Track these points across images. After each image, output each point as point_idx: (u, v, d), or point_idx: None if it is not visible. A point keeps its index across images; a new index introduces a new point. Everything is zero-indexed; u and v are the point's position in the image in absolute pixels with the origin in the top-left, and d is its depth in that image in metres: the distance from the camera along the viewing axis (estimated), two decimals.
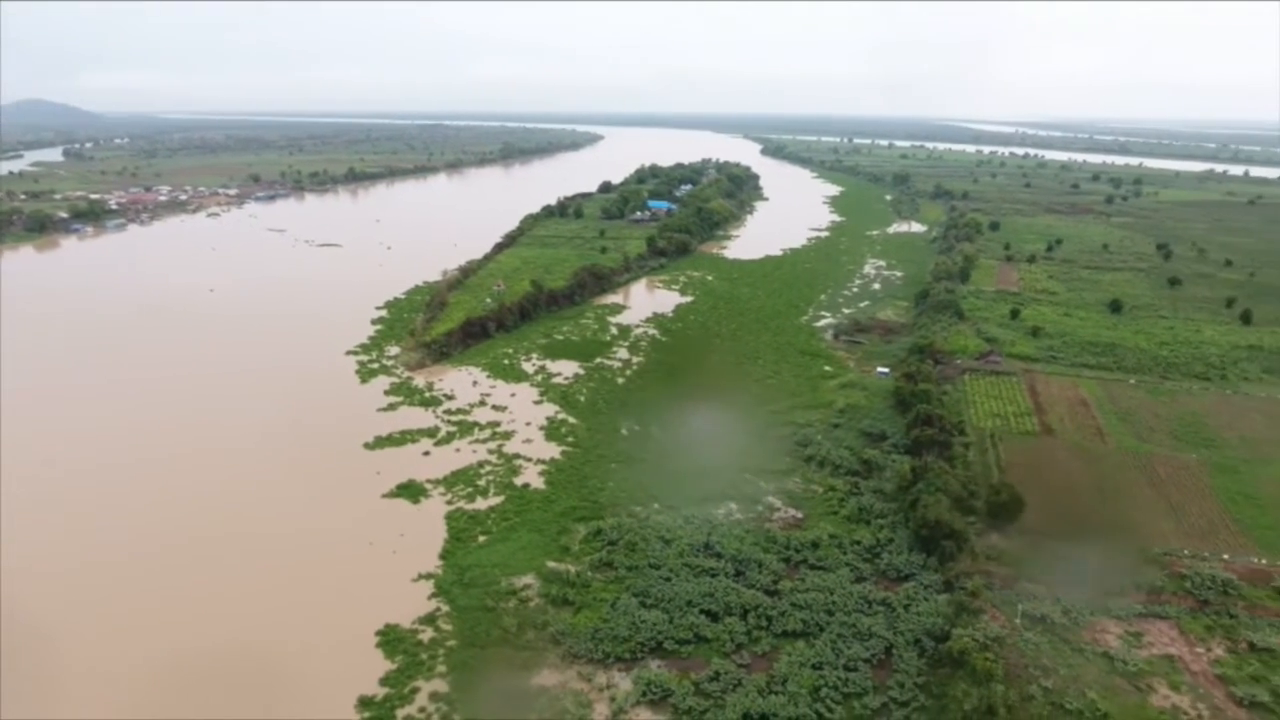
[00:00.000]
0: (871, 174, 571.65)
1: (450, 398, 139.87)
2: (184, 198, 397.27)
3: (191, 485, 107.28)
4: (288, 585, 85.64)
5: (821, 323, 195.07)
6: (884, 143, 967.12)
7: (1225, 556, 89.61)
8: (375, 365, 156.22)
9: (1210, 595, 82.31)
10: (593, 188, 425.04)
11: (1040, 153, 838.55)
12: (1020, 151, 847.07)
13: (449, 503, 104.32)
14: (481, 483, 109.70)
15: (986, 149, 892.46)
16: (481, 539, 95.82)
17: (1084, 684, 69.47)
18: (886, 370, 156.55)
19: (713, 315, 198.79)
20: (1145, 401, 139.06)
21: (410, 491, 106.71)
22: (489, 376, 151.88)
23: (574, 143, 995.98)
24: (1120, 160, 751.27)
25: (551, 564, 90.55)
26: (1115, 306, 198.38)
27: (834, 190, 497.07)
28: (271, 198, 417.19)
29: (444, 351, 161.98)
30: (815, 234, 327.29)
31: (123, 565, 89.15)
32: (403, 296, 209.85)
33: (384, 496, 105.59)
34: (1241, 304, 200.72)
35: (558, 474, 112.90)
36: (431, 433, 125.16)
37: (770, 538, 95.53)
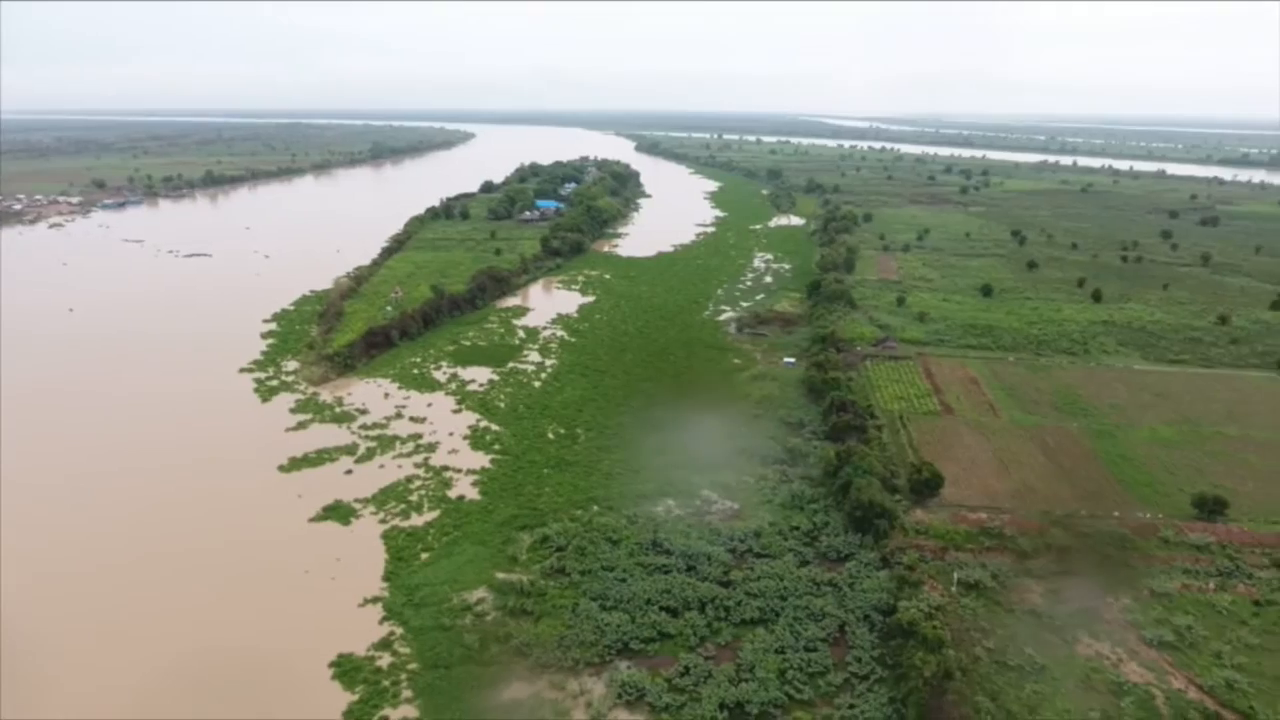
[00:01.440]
0: (746, 169, 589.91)
1: (364, 412, 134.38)
2: (18, 207, 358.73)
3: (94, 528, 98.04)
4: (224, 624, 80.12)
5: (723, 316, 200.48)
6: (751, 138, 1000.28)
7: (1116, 514, 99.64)
8: (275, 382, 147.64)
9: (1110, 550, 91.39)
10: (470, 187, 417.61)
11: (895, 146, 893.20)
12: (877, 145, 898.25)
13: (382, 521, 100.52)
14: (414, 498, 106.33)
15: (846, 143, 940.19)
16: (424, 556, 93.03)
17: (1020, 641, 75.75)
18: (793, 360, 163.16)
19: (617, 314, 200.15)
20: (1025, 377, 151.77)
21: (339, 513, 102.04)
22: (400, 387, 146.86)
23: (446, 141, 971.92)
24: (966, 153, 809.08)
25: (501, 575, 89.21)
26: (986, 290, 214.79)
27: (712, 186, 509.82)
28: (122, 205, 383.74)
29: (348, 364, 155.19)
30: (702, 229, 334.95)
31: (34, 619, 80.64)
32: (291, 307, 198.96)
33: (311, 521, 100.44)
34: (1091, 284, 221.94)
35: (491, 483, 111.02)
36: (350, 450, 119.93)
37: (714, 530, 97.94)
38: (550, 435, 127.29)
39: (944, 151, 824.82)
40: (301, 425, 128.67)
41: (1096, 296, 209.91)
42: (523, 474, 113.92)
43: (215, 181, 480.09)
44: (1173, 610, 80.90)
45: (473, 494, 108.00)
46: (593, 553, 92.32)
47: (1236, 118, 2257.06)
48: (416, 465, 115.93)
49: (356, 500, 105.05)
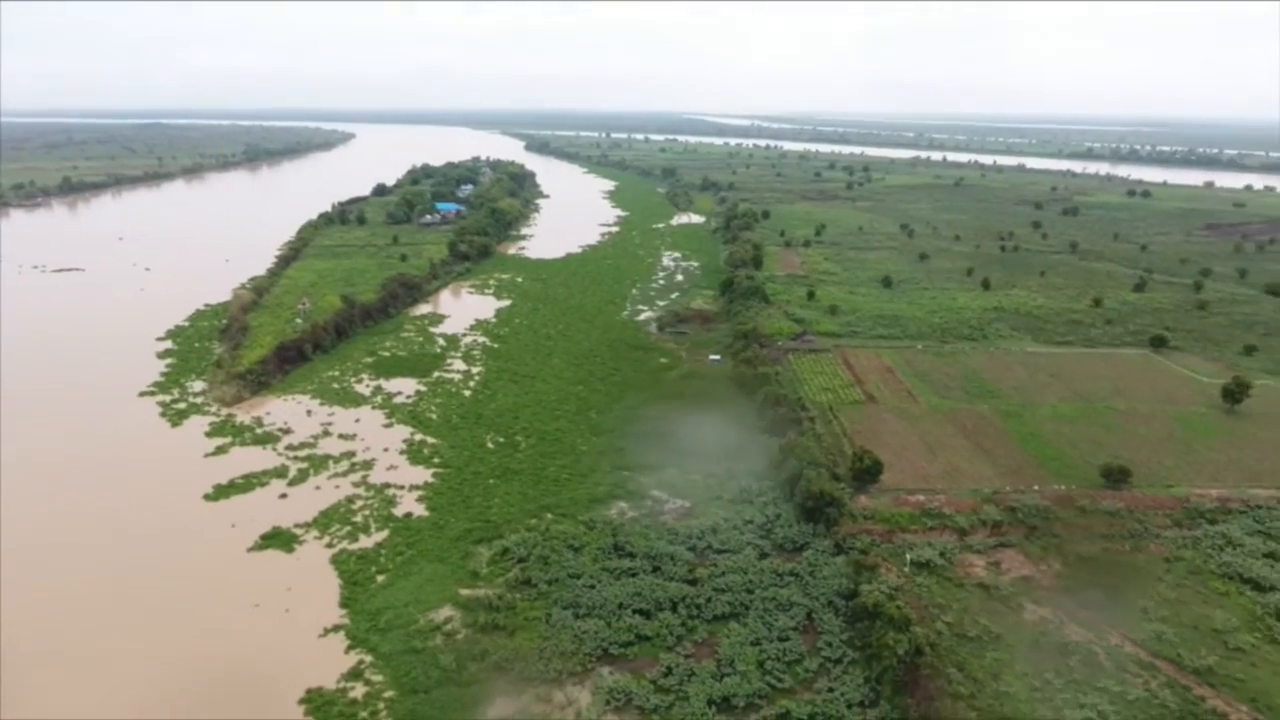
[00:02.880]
0: (640, 168, 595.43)
1: (287, 431, 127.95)
2: None
3: (7, 582, 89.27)
4: (178, 670, 74.81)
5: (642, 316, 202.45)
6: (640, 137, 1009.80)
7: (1036, 488, 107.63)
8: (182, 405, 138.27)
9: (1037, 521, 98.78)
10: (358, 190, 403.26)
11: (778, 144, 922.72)
12: (761, 143, 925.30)
13: (329, 546, 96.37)
14: (358, 519, 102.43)
15: (732, 141, 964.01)
16: (380, 579, 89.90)
17: (974, 613, 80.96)
18: (718, 358, 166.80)
19: (537, 317, 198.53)
20: (934, 364, 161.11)
21: (280, 540, 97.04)
22: (322, 403, 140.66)
23: (326, 142, 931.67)
24: (844, 150, 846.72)
25: (465, 592, 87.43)
26: (887, 282, 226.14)
27: (609, 185, 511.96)
28: None
29: (262, 381, 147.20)
30: (607, 229, 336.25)
31: None
32: (186, 324, 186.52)
33: (250, 551, 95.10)
34: (978, 273, 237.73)
35: (437, 498, 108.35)
36: (280, 472, 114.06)
37: (671, 530, 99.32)
38: (490, 445, 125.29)
39: (824, 149, 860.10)
40: (221, 450, 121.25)
41: (985, 284, 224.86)
42: (468, 486, 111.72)
43: (74, 188, 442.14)
44: (1099, 573, 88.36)
45: (420, 510, 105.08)
46: (556, 561, 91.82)
47: (1080, 115, 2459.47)
48: (355, 484, 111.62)
49: (297, 525, 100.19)
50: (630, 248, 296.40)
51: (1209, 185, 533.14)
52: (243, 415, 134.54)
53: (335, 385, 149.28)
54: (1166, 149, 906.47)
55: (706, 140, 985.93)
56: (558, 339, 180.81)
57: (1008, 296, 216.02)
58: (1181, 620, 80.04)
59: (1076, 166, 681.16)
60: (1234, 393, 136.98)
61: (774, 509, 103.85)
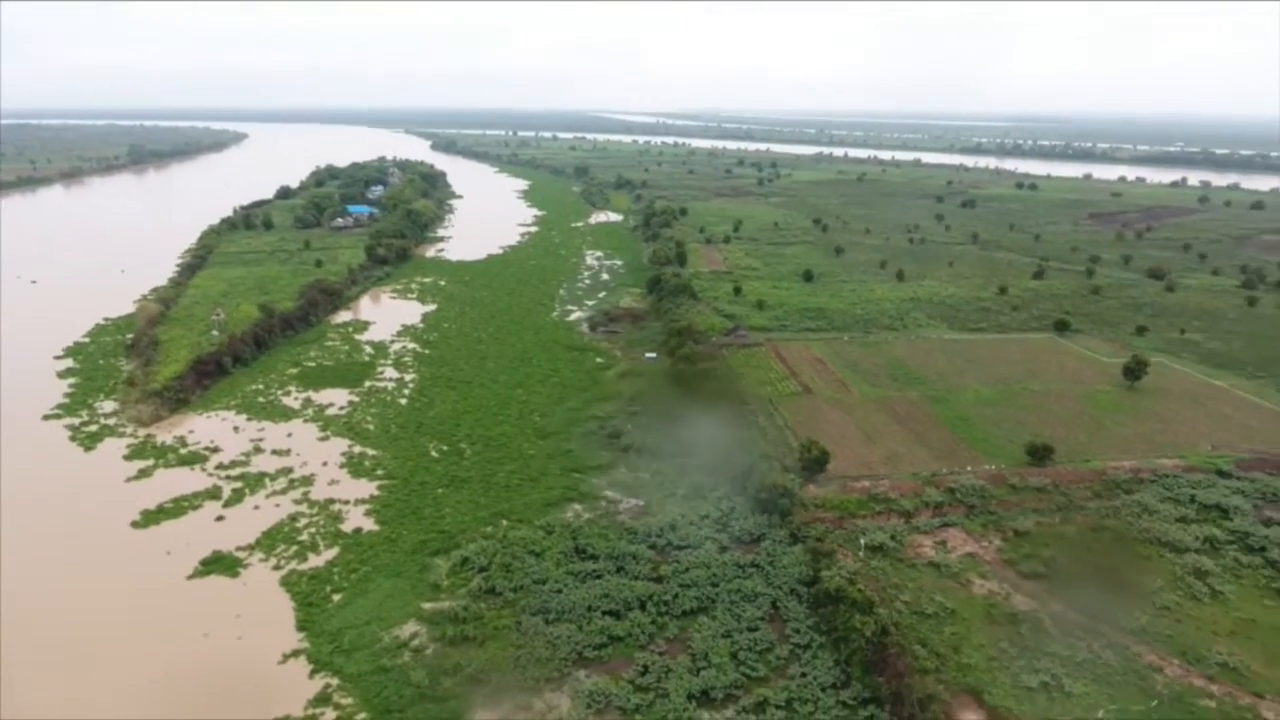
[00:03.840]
0: (551, 167, 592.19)
1: (215, 450, 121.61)
2: None
3: None
4: (131, 710, 70.20)
5: (573, 316, 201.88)
6: (548, 135, 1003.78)
7: (969, 468, 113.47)
8: (94, 427, 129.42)
9: (974, 500, 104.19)
10: (259, 193, 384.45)
11: (686, 141, 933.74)
12: (670, 140, 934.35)
13: (276, 568, 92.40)
14: (305, 537, 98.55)
15: (640, 139, 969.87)
16: (336, 598, 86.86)
17: (929, 591, 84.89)
18: (654, 355, 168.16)
19: (465, 321, 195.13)
20: (862, 354, 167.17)
21: (222, 565, 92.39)
22: (249, 419, 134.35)
23: (217, 143, 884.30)
24: (750, 146, 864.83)
25: (429, 605, 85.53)
26: (808, 276, 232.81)
27: (522, 184, 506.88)
28: None
29: (180, 398, 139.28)
30: (525, 229, 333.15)
31: None
32: (86, 340, 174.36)
33: (191, 578, 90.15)
34: (891, 265, 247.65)
35: (386, 511, 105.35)
36: (214, 494, 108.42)
37: (630, 530, 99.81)
38: (434, 453, 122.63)
39: (731, 145, 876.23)
40: (144, 473, 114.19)
41: (900, 276, 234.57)
42: (417, 497, 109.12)
43: None
44: (1035, 545, 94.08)
45: (369, 524, 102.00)
46: (519, 568, 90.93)
47: (970, 112, 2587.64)
48: (296, 502, 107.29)
49: (239, 548, 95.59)
50: (552, 247, 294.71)
51: (1087, 177, 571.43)
52: (163, 435, 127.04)
53: (261, 399, 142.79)
54: (1046, 143, 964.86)
55: (615, 138, 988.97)
56: (490, 342, 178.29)
57: (921, 287, 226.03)
58: (1113, 585, 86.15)
59: (968, 161, 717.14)
60: (1134, 370, 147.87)
61: (728, 503, 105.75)
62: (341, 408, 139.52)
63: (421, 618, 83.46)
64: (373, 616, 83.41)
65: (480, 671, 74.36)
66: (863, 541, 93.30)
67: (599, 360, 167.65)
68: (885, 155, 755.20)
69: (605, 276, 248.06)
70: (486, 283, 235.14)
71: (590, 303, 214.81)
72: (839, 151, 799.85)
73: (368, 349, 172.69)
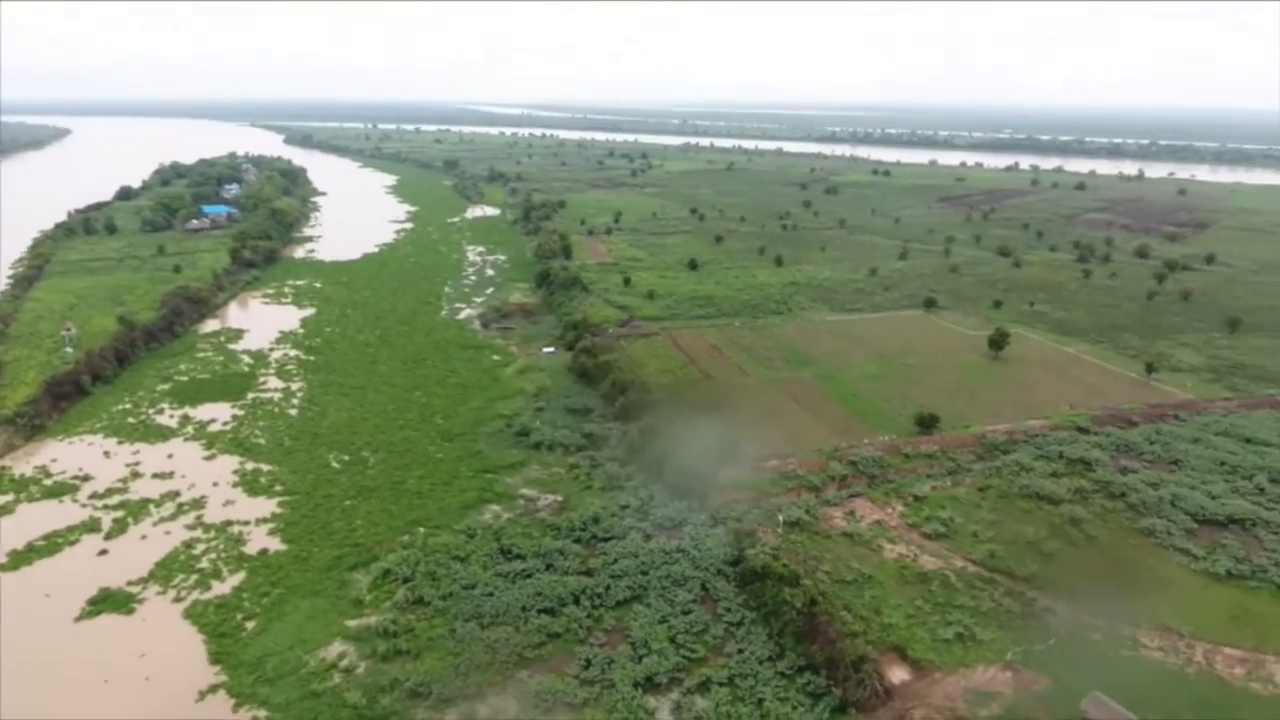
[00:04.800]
0: (418, 161, 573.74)
1: (86, 478, 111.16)
2: None
3: None
4: None
5: (462, 314, 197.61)
6: (410, 128, 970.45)
7: (866, 441, 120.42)
8: None
9: (875, 471, 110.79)
10: (97, 195, 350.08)
11: (553, 133, 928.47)
12: (538, 132, 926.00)
13: (177, 600, 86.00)
14: (204, 565, 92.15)
15: (508, 131, 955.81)
16: (250, 625, 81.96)
17: (845, 560, 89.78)
18: (552, 350, 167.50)
19: (349, 324, 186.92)
20: (753, 338, 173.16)
21: (113, 603, 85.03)
22: (120, 442, 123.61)
23: (35, 139, 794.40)
24: (619, 137, 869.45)
25: (353, 623, 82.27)
26: (692, 265, 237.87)
27: (389, 179, 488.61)
28: None
29: (36, 424, 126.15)
30: (399, 226, 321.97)
31: None
32: None
33: (79, 620, 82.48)
34: (770, 251, 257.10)
35: (291, 528, 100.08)
36: (91, 526, 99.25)
37: (552, 526, 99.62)
38: (335, 464, 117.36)
39: (599, 137, 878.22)
40: (5, 510, 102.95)
41: (779, 262, 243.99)
42: (324, 511, 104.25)
43: None
44: (933, 508, 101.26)
45: (276, 544, 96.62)
46: (445, 575, 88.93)
47: (822, 102, 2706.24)
48: (189, 527, 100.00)
49: (130, 583, 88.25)
50: (430, 244, 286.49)
51: (933, 163, 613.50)
52: (21, 466, 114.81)
53: (131, 419, 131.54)
54: (894, 131, 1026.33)
55: (481, 130, 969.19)
56: (379, 345, 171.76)
57: (799, 271, 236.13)
58: (1004, 538, 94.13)
59: (825, 149, 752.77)
60: (997, 342, 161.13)
61: (645, 491, 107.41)
62: (225, 423, 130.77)
63: (347, 636, 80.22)
64: (294, 640, 79.36)
65: (420, 684, 72.43)
66: (780, 518, 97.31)
67: (496, 358, 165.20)
68: (749, 144, 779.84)
69: (491, 272, 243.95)
70: (366, 283, 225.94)
71: (479, 300, 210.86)
72: (705, 141, 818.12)
73: (246, 359, 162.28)
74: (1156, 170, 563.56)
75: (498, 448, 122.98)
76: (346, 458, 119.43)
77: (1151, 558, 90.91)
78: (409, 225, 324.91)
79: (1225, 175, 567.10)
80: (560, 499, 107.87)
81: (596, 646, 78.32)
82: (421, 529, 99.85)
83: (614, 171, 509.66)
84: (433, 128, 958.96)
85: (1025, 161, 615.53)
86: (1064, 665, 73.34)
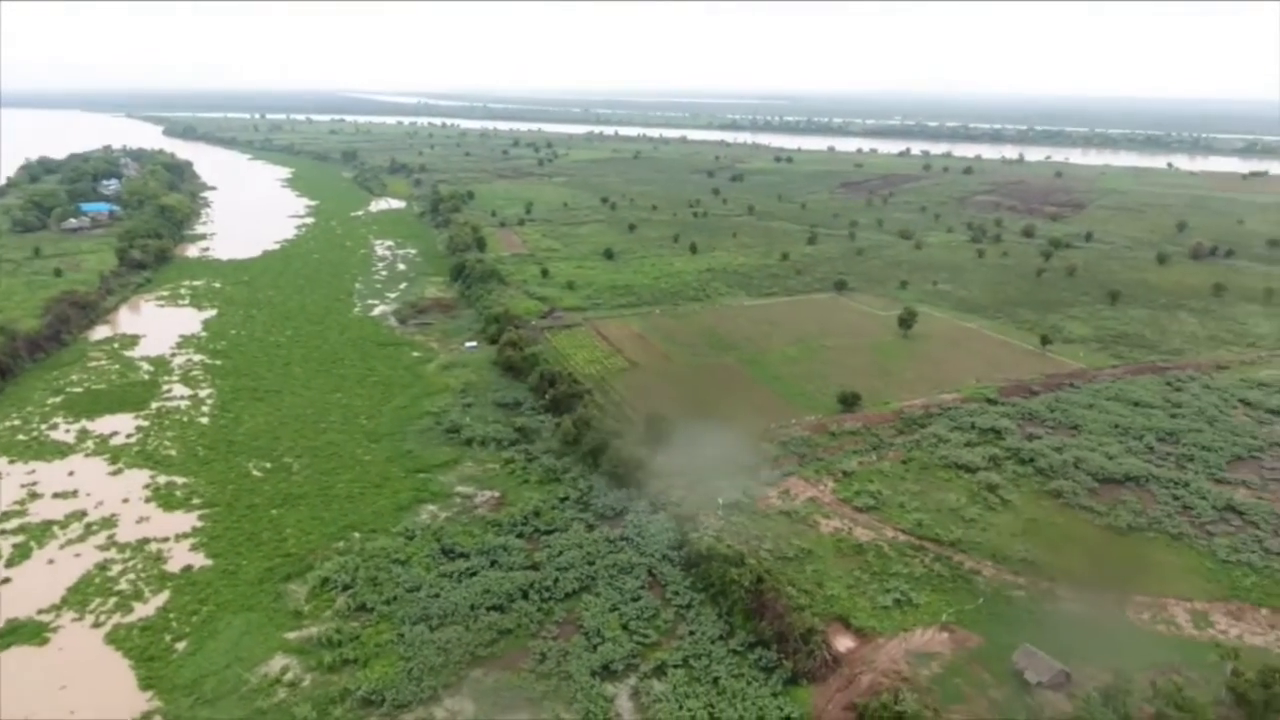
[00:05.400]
0: (313, 152, 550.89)
1: None
2: None
3: None
4: None
5: (377, 311, 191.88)
6: (301, 117, 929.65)
7: (794, 422, 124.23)
8: None
9: (804, 450, 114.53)
10: None
11: (454, 122, 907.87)
12: (438, 122, 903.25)
13: (96, 625, 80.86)
14: (123, 586, 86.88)
15: (405, 120, 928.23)
16: (181, 646, 77.91)
17: (785, 537, 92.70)
18: (474, 344, 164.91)
19: (256, 325, 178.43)
20: (675, 325, 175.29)
21: (24, 634, 79.23)
22: (11, 461, 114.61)
23: None
24: (521, 126, 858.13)
25: (293, 635, 79.42)
26: (608, 254, 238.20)
27: (284, 172, 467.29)
28: None
29: None
30: (300, 221, 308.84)
31: None
32: None
33: None
34: (683, 239, 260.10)
35: (216, 542, 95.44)
36: None
37: (492, 522, 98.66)
38: (256, 473, 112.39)
39: (501, 126, 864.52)
40: None
41: (693, 249, 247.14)
42: (249, 522, 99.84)
43: None
44: (862, 483, 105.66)
45: (200, 560, 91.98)
46: (387, 579, 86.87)
47: (720, 90, 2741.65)
48: (101, 548, 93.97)
49: (41, 611, 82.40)
50: (335, 239, 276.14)
51: (831, 150, 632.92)
52: None
53: (22, 436, 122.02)
54: (791, 119, 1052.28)
55: (378, 120, 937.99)
56: (291, 346, 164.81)
57: (713, 258, 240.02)
58: (930, 507, 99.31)
59: (728, 137, 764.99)
60: (906, 321, 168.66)
61: (585, 482, 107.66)
62: (129, 435, 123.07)
63: (288, 649, 77.40)
64: (231, 658, 75.98)
65: (372, 692, 70.72)
66: (720, 501, 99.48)
67: (416, 354, 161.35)
68: (653, 133, 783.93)
69: (402, 267, 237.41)
70: (270, 281, 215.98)
71: (392, 295, 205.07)
72: (609, 130, 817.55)
73: (145, 366, 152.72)
74: (1034, 154, 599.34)
75: (428, 446, 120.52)
76: (268, 465, 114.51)
77: (1060, 517, 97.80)
78: (310, 220, 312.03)
79: (1094, 158, 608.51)
80: (498, 495, 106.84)
81: (550, 639, 78.34)
82: (357, 534, 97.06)
83: (520, 161, 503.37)
84: (325, 118, 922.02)
85: (916, 147, 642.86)
86: (993, 623, 78.29)
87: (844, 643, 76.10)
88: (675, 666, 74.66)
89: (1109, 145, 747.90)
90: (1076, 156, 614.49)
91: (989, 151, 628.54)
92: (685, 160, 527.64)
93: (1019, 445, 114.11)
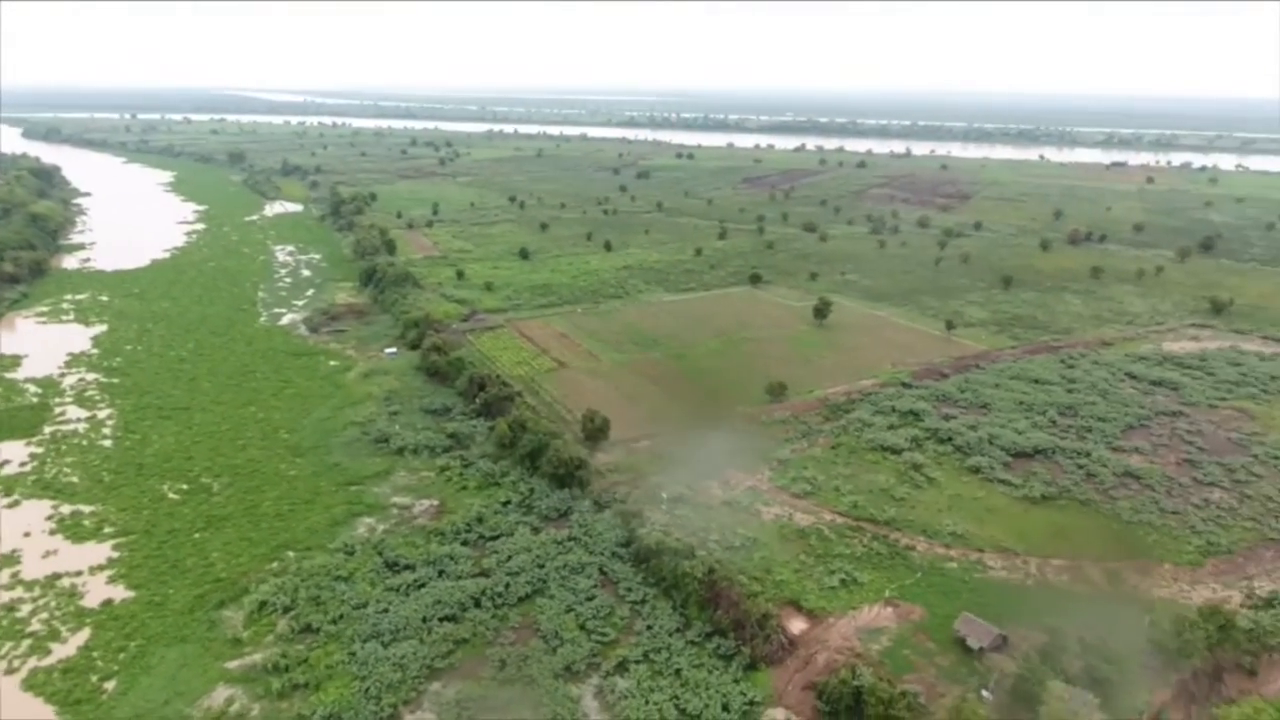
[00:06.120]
0: (196, 154, 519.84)
1: None
2: None
3: None
4: None
5: (285, 319, 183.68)
6: (178, 117, 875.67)
7: (722, 413, 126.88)
8: None
9: (741, 441, 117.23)
10: None
11: (346, 121, 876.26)
12: (329, 121, 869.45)
13: (10, 671, 74.59)
14: (36, 627, 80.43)
15: (293, 119, 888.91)
16: (110, 686, 72.91)
17: (730, 526, 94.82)
18: (394, 350, 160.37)
19: (154, 339, 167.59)
20: (598, 324, 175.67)
21: None
22: None
23: None
24: (416, 124, 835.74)
25: (234, 664, 75.63)
26: (523, 254, 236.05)
27: (165, 176, 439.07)
28: None
29: None
30: (190, 228, 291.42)
31: None
32: None
33: None
34: (597, 237, 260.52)
35: (136, 572, 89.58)
36: None
37: (435, 531, 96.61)
38: (173, 496, 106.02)
39: (395, 124, 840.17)
40: None
41: (608, 246, 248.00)
42: (171, 548, 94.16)
43: None
44: (797, 469, 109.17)
45: (121, 592, 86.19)
46: (331, 598, 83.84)
47: (614, 87, 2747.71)
48: (5, 587, 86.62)
49: None
50: (230, 246, 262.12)
51: (730, 146, 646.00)
52: None
53: None
54: (689, 116, 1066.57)
55: (263, 119, 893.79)
56: (195, 360, 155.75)
57: (629, 255, 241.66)
58: (862, 489, 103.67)
59: (628, 134, 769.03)
60: (821, 311, 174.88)
61: (525, 485, 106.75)
62: (23, 463, 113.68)
63: (231, 679, 73.70)
64: (169, 694, 71.76)
65: (329, 715, 68.27)
66: (664, 495, 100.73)
67: (333, 363, 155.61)
68: (554, 130, 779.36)
69: (307, 273, 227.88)
70: (164, 292, 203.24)
71: (300, 303, 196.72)
72: (508, 129, 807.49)
73: (32, 388, 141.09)
74: (919, 148, 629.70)
75: (357, 458, 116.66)
76: (185, 487, 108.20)
77: (981, 491, 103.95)
78: (201, 226, 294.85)
79: (973, 151, 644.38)
80: (436, 503, 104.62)
81: (508, 646, 77.56)
82: (291, 553, 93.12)
83: (420, 161, 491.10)
84: (205, 117, 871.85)
85: (810, 143, 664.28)
86: (932, 594, 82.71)
87: (797, 625, 78.72)
88: (636, 662, 75.33)
89: (986, 139, 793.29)
90: (957, 150, 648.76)
91: (878, 146, 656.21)
92: (589, 158, 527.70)
93: (937, 425, 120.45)
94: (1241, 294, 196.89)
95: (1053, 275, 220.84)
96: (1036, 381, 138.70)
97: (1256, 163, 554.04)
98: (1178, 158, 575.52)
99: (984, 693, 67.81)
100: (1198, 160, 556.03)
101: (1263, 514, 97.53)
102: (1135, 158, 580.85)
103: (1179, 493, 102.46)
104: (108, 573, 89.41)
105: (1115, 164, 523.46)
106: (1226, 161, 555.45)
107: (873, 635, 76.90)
